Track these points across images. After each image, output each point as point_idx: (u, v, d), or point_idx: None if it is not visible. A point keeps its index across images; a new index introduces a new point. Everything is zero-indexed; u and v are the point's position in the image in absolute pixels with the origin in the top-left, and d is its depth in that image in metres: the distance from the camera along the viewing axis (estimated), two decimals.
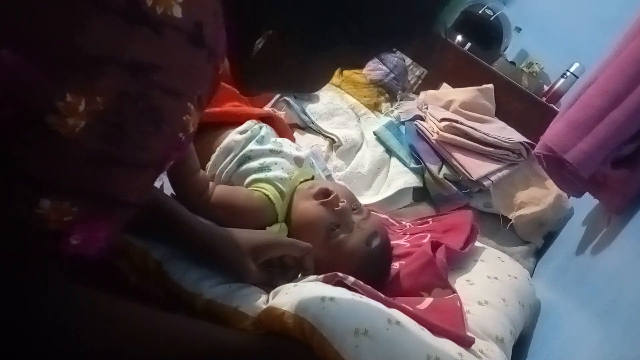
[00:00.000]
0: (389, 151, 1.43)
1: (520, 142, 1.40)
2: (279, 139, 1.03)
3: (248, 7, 0.53)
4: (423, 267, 0.93)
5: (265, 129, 1.02)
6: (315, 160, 1.14)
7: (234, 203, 0.90)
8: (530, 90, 1.72)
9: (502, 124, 1.52)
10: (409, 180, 1.35)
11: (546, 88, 1.90)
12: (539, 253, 1.36)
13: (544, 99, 1.75)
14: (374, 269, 0.93)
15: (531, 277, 1.21)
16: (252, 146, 0.98)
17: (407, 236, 1.14)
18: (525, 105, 1.62)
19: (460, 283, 0.95)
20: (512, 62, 1.97)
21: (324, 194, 0.92)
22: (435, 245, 0.98)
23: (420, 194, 1.38)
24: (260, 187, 0.94)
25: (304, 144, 1.30)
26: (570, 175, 1.04)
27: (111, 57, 0.40)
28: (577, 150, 0.95)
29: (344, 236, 0.90)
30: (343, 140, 1.37)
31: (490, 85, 1.59)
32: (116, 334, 0.53)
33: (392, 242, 1.08)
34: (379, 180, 1.37)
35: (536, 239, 1.36)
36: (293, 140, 1.13)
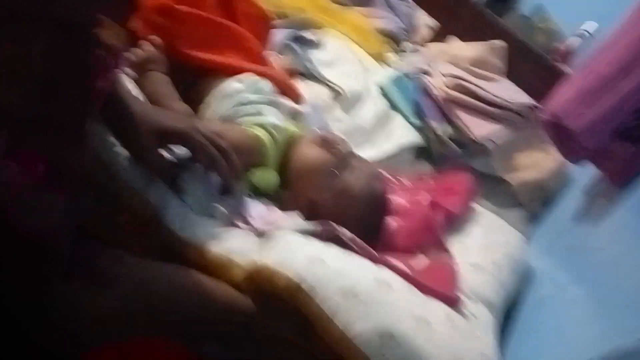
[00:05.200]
0: (393, 106, 1.40)
1: (527, 105, 1.37)
2: (279, 96, 1.02)
3: None
4: (421, 227, 0.93)
5: (265, 83, 1.00)
6: (314, 112, 1.13)
7: (226, 133, 0.88)
8: (542, 48, 1.68)
9: (510, 84, 1.48)
10: (411, 137, 1.33)
11: (559, 45, 1.83)
12: (535, 218, 1.36)
13: (555, 57, 1.70)
14: (374, 215, 0.92)
15: (527, 243, 1.22)
16: (249, 95, 0.97)
17: (406, 193, 1.13)
18: (535, 68, 1.57)
19: (456, 246, 0.95)
20: (527, 17, 1.91)
21: (325, 139, 0.92)
22: (434, 207, 0.97)
23: (421, 153, 1.36)
24: (253, 128, 0.93)
25: (306, 92, 1.27)
26: (574, 145, 1.02)
27: None
28: (584, 119, 0.93)
29: (346, 177, 0.89)
30: (348, 92, 1.34)
31: (504, 43, 1.53)
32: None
33: (390, 197, 1.09)
34: (380, 135, 1.35)
35: (534, 205, 1.35)
36: (297, 98, 1.11)
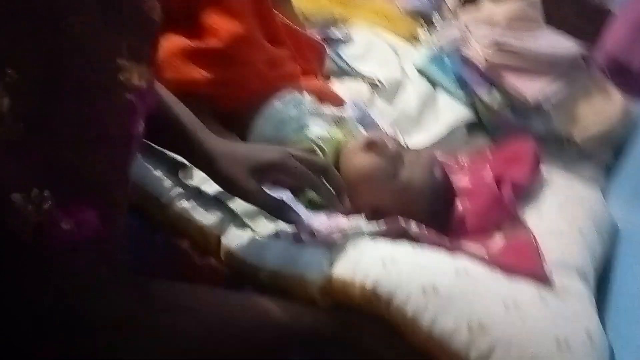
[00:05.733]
0: (434, 85, 1.35)
1: (577, 53, 1.28)
2: (320, 105, 1.01)
3: None
4: (490, 205, 0.89)
5: (304, 95, 1.00)
6: (358, 110, 1.10)
7: None
8: None
9: (553, 33, 1.40)
10: (460, 115, 1.28)
11: None
12: (609, 170, 1.27)
13: None
14: (442, 202, 0.89)
15: (606, 198, 1.14)
16: (290, 111, 0.96)
17: (467, 172, 1.09)
18: (578, 9, 1.48)
19: (531, 216, 0.90)
20: None
21: (371, 143, 0.89)
22: (499, 182, 0.92)
23: (474, 127, 1.30)
24: (301, 142, 0.92)
25: (343, 91, 1.25)
26: (637, 82, 0.95)
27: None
28: None
29: (405, 175, 0.86)
30: (385, 81, 1.30)
31: None
32: (196, 323, 0.54)
33: (452, 180, 1.04)
34: (428, 117, 1.30)
35: (606, 155, 1.27)
36: (337, 102, 1.10)
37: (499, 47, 1.29)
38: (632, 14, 0.89)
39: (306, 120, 0.96)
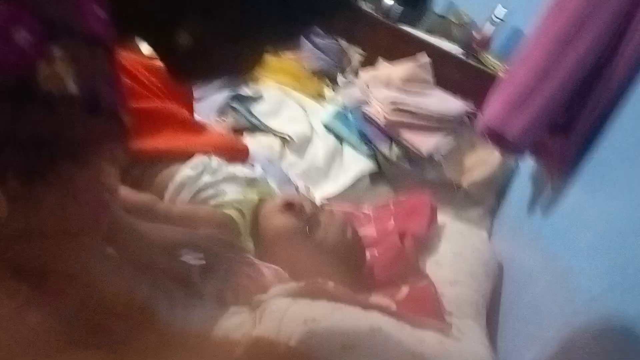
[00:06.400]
0: (340, 140, 1.47)
1: (463, 111, 1.46)
2: (231, 167, 1.04)
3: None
4: (395, 259, 0.99)
5: (216, 161, 1.03)
6: (270, 165, 1.17)
7: (196, 216, 0.92)
8: (461, 41, 1.77)
9: (442, 94, 1.57)
10: (364, 167, 1.40)
11: (476, 35, 1.94)
12: (494, 212, 1.45)
13: (474, 45, 1.82)
14: (354, 259, 0.97)
15: (490, 237, 1.31)
16: (206, 179, 0.99)
17: (373, 223, 1.19)
18: (460, 71, 1.68)
19: (430, 266, 1.02)
20: (442, 16, 2.03)
21: (288, 204, 0.95)
22: (402, 235, 1.03)
23: (377, 177, 1.43)
24: (221, 207, 0.95)
25: (255, 146, 1.32)
26: (512, 146, 1.11)
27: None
28: (515, 127, 1.02)
29: (320, 235, 0.93)
30: (294, 137, 1.40)
31: (426, 58, 1.63)
32: None
33: (360, 232, 1.14)
34: (335, 170, 1.41)
35: (489, 198, 1.45)
36: (246, 158, 1.15)
37: (396, 106, 1.44)
38: (507, 91, 1.04)
39: (221, 186, 0.99)
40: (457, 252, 1.06)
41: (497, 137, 1.11)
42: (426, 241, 1.08)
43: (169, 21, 0.54)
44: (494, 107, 1.06)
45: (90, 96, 0.45)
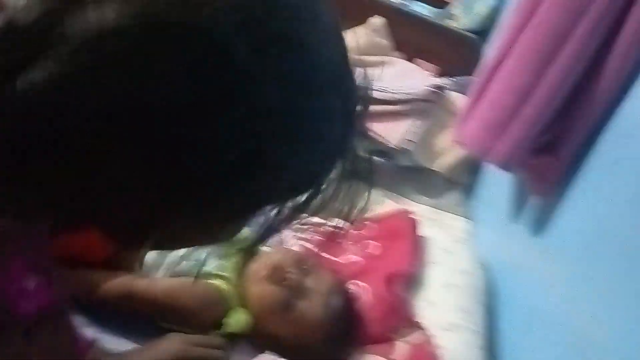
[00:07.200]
0: None
1: (429, 90, 1.35)
2: None
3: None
4: (386, 313, 0.95)
5: None
6: None
7: (179, 294, 0.86)
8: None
9: (404, 66, 1.45)
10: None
11: None
12: (470, 191, 1.41)
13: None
14: (343, 328, 0.92)
15: (473, 222, 1.28)
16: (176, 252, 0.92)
17: (356, 247, 1.13)
18: (421, 31, 1.53)
19: (422, 307, 0.99)
20: None
21: (272, 272, 0.90)
22: (389, 280, 0.99)
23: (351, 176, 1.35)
24: (208, 278, 0.90)
25: None
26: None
27: None
28: (497, 151, 0.95)
29: (303, 306, 0.88)
30: None
31: (378, 19, 1.47)
32: None
33: (341, 261, 1.10)
34: None
35: (464, 177, 1.39)
36: None
37: None
38: (485, 113, 0.95)
39: (199, 255, 0.93)
40: (447, 281, 1.03)
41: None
42: (414, 275, 1.05)
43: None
44: (472, 129, 0.98)
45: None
